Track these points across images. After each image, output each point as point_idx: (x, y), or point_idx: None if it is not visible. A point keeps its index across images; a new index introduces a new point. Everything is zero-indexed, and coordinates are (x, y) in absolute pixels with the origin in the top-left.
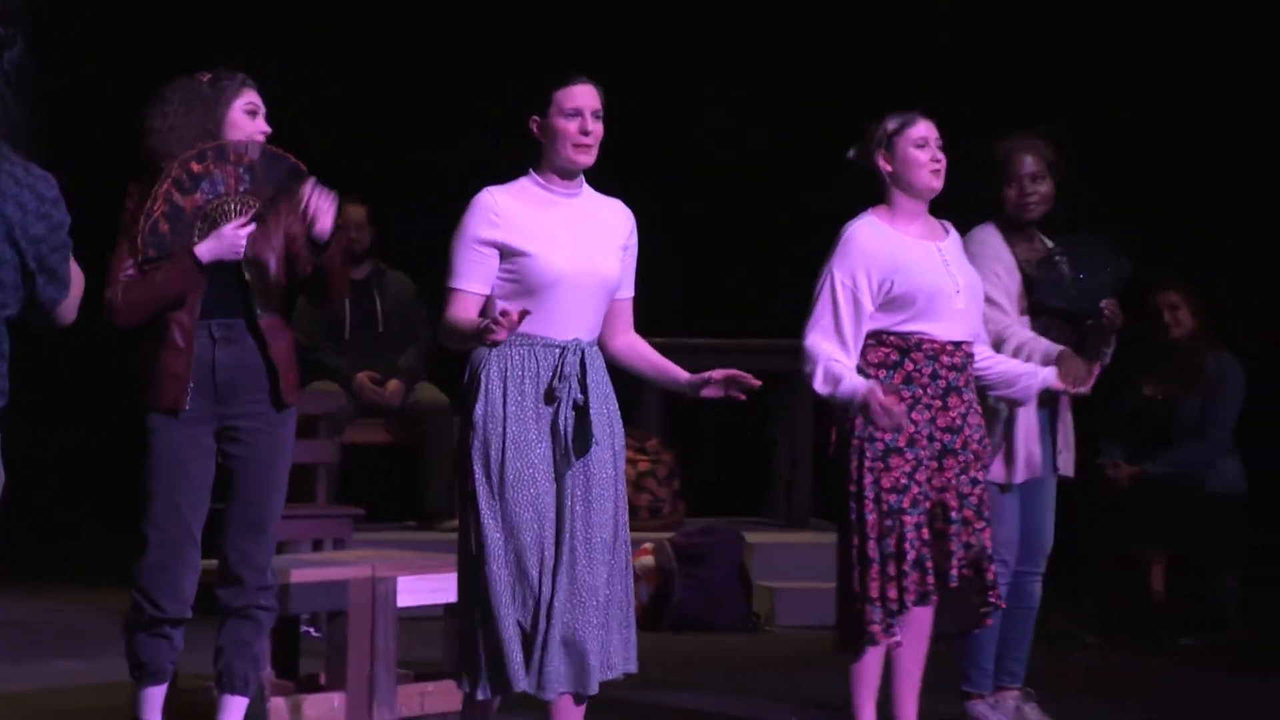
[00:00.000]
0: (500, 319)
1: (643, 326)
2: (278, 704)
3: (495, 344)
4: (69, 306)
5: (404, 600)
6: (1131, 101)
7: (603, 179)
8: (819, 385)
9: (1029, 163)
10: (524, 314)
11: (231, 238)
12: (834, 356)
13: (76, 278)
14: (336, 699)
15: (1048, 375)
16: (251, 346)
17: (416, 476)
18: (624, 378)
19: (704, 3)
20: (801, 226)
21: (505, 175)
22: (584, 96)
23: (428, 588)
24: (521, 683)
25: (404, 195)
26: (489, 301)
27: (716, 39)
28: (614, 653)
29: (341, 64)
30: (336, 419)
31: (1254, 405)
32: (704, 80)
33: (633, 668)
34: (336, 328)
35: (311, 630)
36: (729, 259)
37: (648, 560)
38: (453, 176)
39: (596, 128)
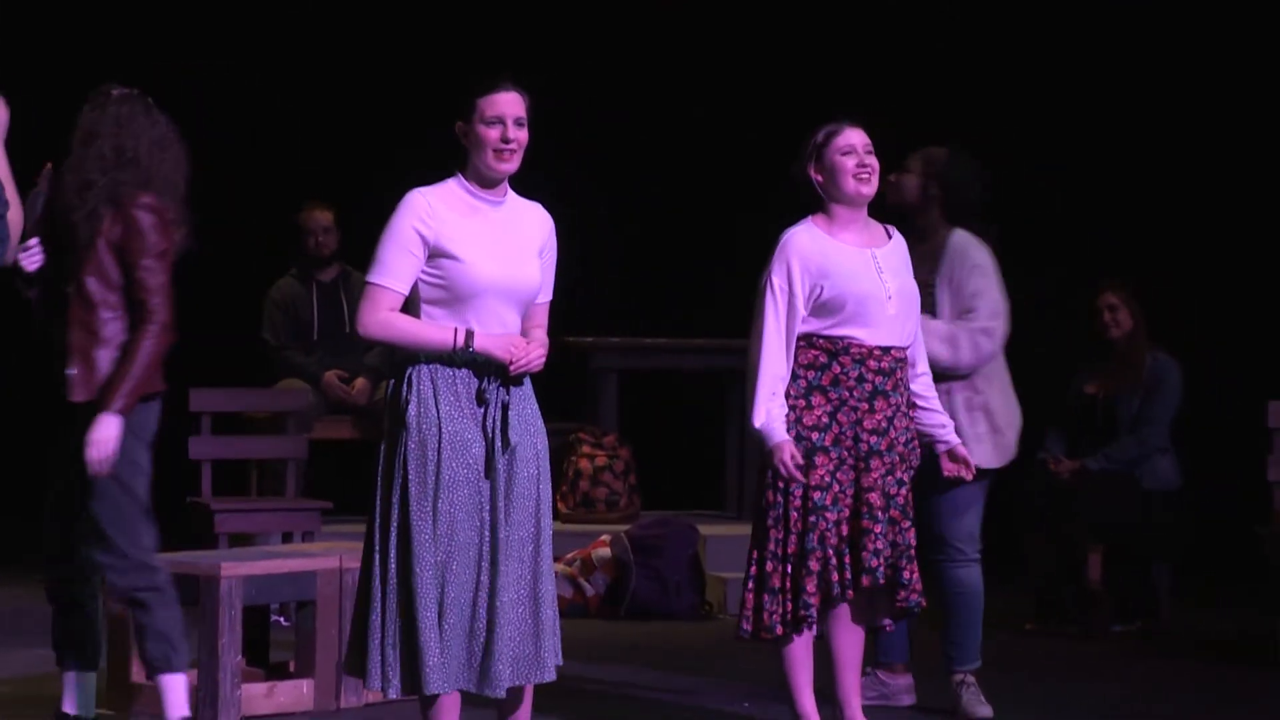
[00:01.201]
0: (521, 356)
1: (597, 326)
2: (249, 690)
3: (517, 376)
4: None
5: None
6: (1075, 106)
7: (554, 176)
8: (754, 419)
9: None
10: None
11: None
12: (775, 390)
13: None
14: (305, 685)
15: (946, 446)
16: (62, 354)
17: None
18: (582, 376)
19: (671, 5)
20: (751, 227)
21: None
22: (506, 104)
23: None
24: (436, 684)
25: (370, 199)
26: (407, 299)
27: (692, 42)
28: (548, 652)
29: (309, 70)
30: (305, 416)
31: (1192, 403)
32: (670, 81)
33: (554, 675)
34: (305, 328)
35: (281, 619)
36: (681, 259)
37: (605, 552)
38: (419, 181)
39: (519, 135)
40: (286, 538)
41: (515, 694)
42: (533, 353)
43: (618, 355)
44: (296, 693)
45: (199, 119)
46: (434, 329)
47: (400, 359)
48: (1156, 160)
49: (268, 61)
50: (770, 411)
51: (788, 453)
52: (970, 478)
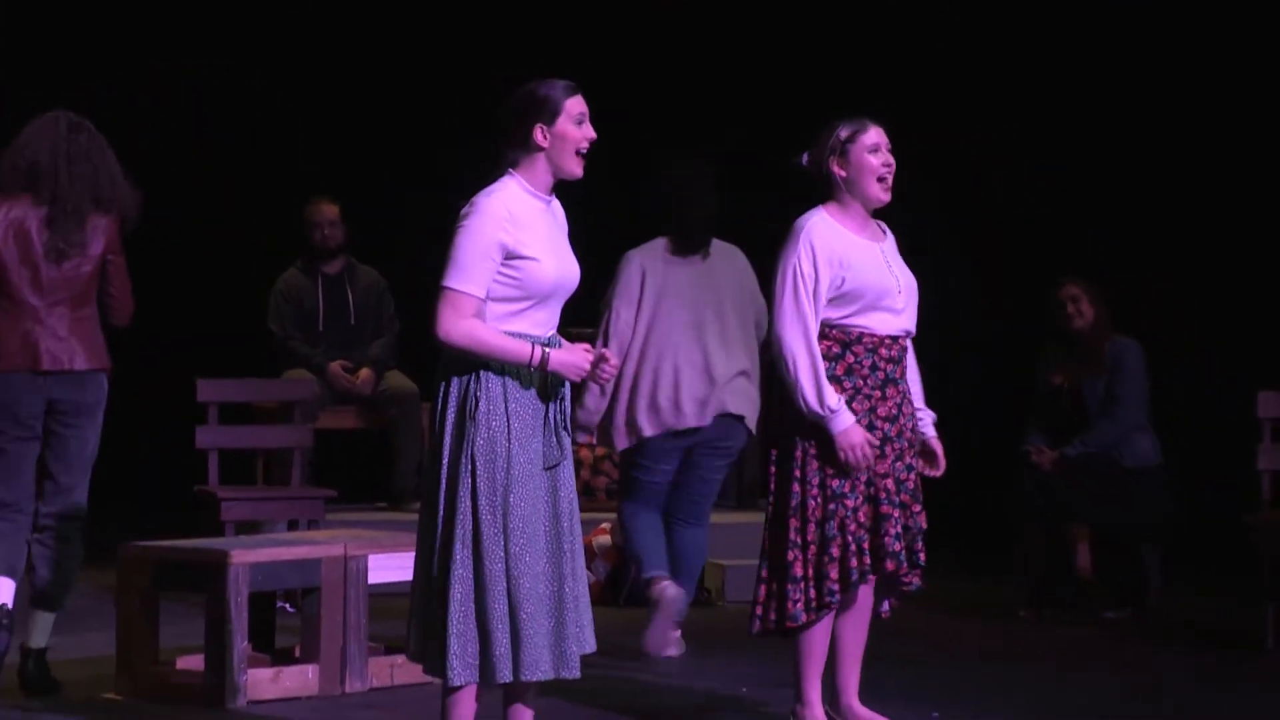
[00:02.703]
0: (605, 364)
1: (597, 318)
2: (255, 675)
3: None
4: None
5: (374, 577)
6: (1071, 104)
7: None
8: (826, 401)
9: None
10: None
11: None
12: (823, 369)
13: None
14: (311, 671)
15: (921, 439)
16: None
17: (386, 460)
18: None
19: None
20: (746, 221)
21: (471, 177)
22: (584, 104)
23: (397, 565)
24: (505, 674)
25: (375, 194)
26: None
27: (692, 41)
28: (587, 629)
29: (316, 67)
30: (310, 406)
31: (1168, 387)
32: (677, 73)
33: (594, 647)
34: (310, 319)
35: (287, 606)
36: None
37: (605, 539)
38: (425, 176)
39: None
40: (292, 525)
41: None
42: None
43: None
44: (302, 678)
45: (208, 116)
46: (513, 344)
47: (468, 359)
48: (1150, 154)
49: (275, 59)
50: (831, 394)
51: (860, 436)
52: (937, 473)
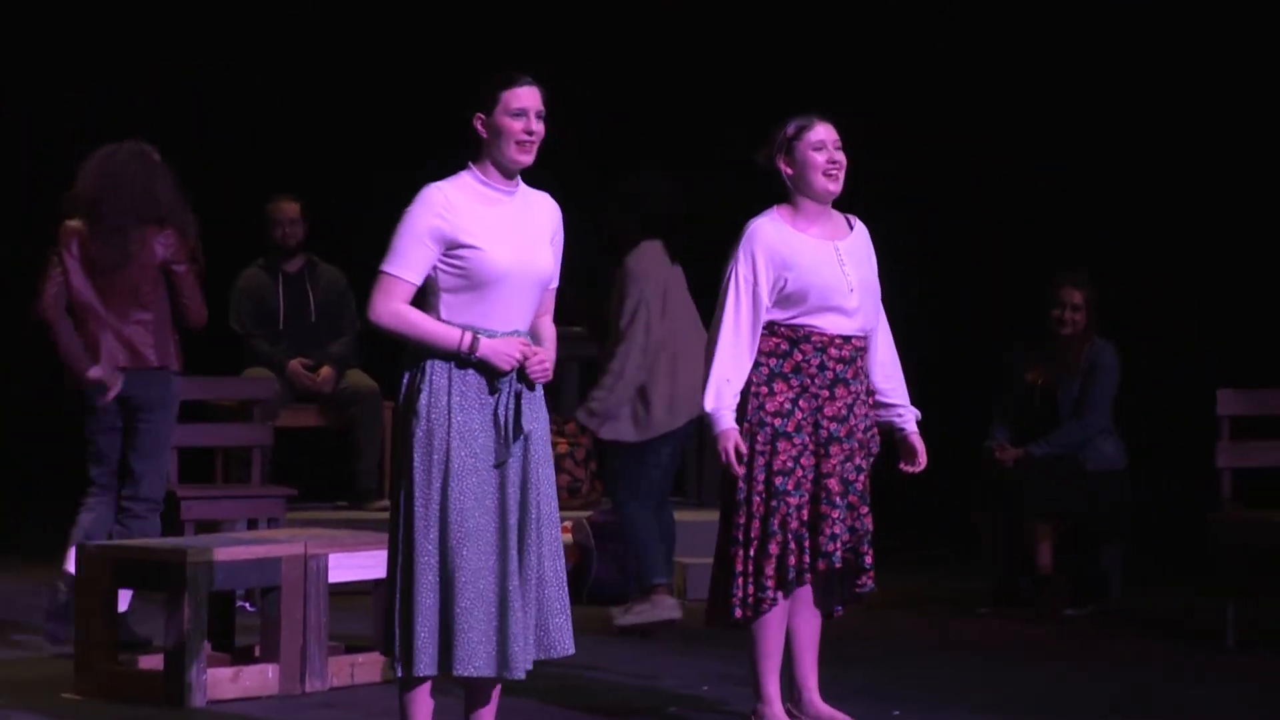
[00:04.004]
0: (533, 361)
1: (559, 314)
2: (215, 674)
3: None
4: None
5: (335, 576)
6: (1044, 99)
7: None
8: (706, 401)
9: None
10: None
11: None
12: (729, 378)
13: None
14: (270, 670)
15: (901, 434)
16: None
17: (347, 458)
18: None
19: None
20: (712, 220)
21: (433, 174)
22: (529, 98)
23: (357, 564)
24: (428, 666)
25: (336, 192)
26: (424, 289)
27: (691, 40)
28: (556, 632)
29: (278, 65)
30: (270, 404)
31: (1132, 385)
32: (659, 74)
33: (571, 649)
34: (270, 317)
35: (246, 605)
36: None
37: (566, 538)
38: (386, 174)
39: (539, 128)
40: (252, 524)
41: (486, 680)
42: (546, 361)
43: (579, 343)
44: (261, 677)
45: (171, 114)
46: (443, 329)
47: (415, 350)
48: (1117, 151)
49: (240, 57)
50: (720, 398)
51: (731, 441)
52: (917, 469)
